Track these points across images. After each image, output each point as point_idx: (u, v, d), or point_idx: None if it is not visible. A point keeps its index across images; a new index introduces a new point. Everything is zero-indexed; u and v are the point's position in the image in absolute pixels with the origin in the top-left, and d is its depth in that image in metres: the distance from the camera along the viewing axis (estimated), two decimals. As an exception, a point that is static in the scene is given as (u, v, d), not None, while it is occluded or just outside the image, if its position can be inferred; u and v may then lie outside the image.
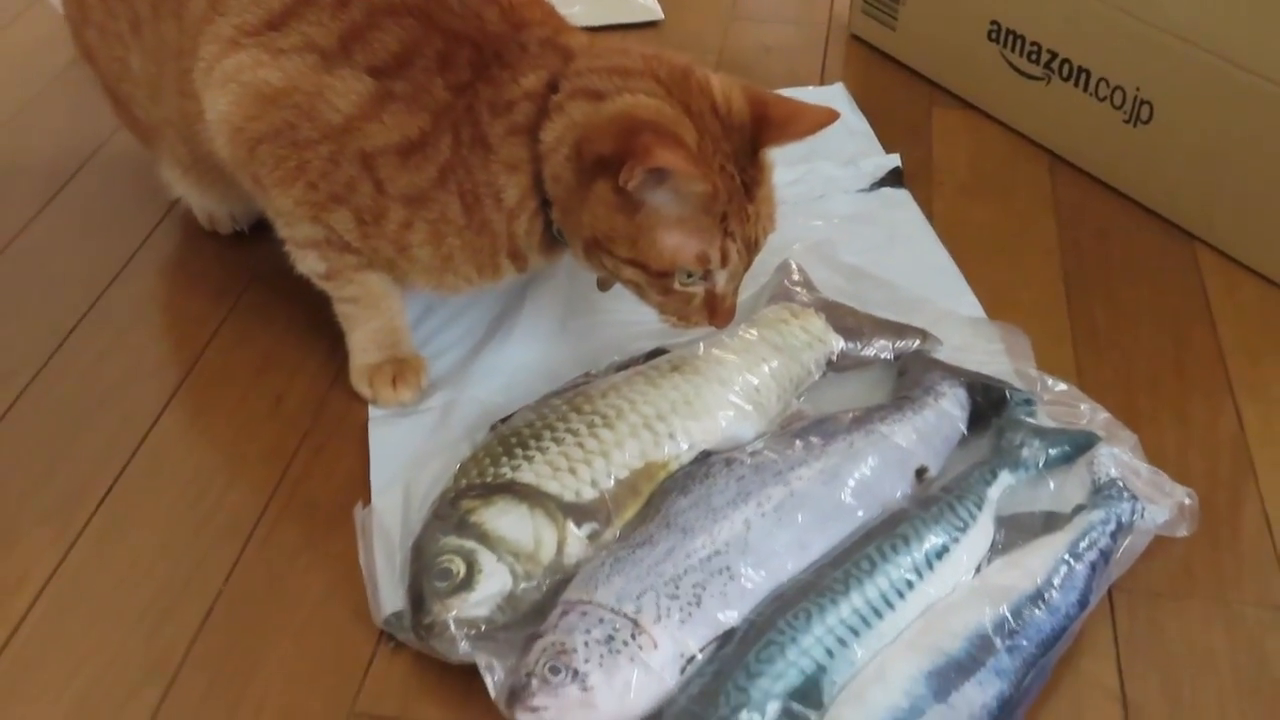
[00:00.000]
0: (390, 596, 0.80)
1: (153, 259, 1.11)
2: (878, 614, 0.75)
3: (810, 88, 1.34)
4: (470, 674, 0.75)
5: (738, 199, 0.82)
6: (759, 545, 0.78)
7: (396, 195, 0.85)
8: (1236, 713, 0.76)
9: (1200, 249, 1.13)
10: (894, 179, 1.19)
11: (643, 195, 0.80)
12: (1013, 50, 1.25)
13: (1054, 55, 1.21)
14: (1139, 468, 0.87)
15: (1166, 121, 1.13)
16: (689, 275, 0.84)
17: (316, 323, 1.00)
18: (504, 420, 0.88)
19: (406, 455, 0.90)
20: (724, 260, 0.83)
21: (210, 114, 0.88)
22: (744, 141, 0.83)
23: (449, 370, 0.98)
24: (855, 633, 0.74)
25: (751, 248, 0.85)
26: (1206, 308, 1.07)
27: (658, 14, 1.48)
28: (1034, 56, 1.23)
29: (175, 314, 1.05)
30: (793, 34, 1.46)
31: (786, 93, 1.27)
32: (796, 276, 1.01)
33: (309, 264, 0.93)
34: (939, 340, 0.97)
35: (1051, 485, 0.87)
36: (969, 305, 1.05)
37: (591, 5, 1.48)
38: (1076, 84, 1.20)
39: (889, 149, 1.23)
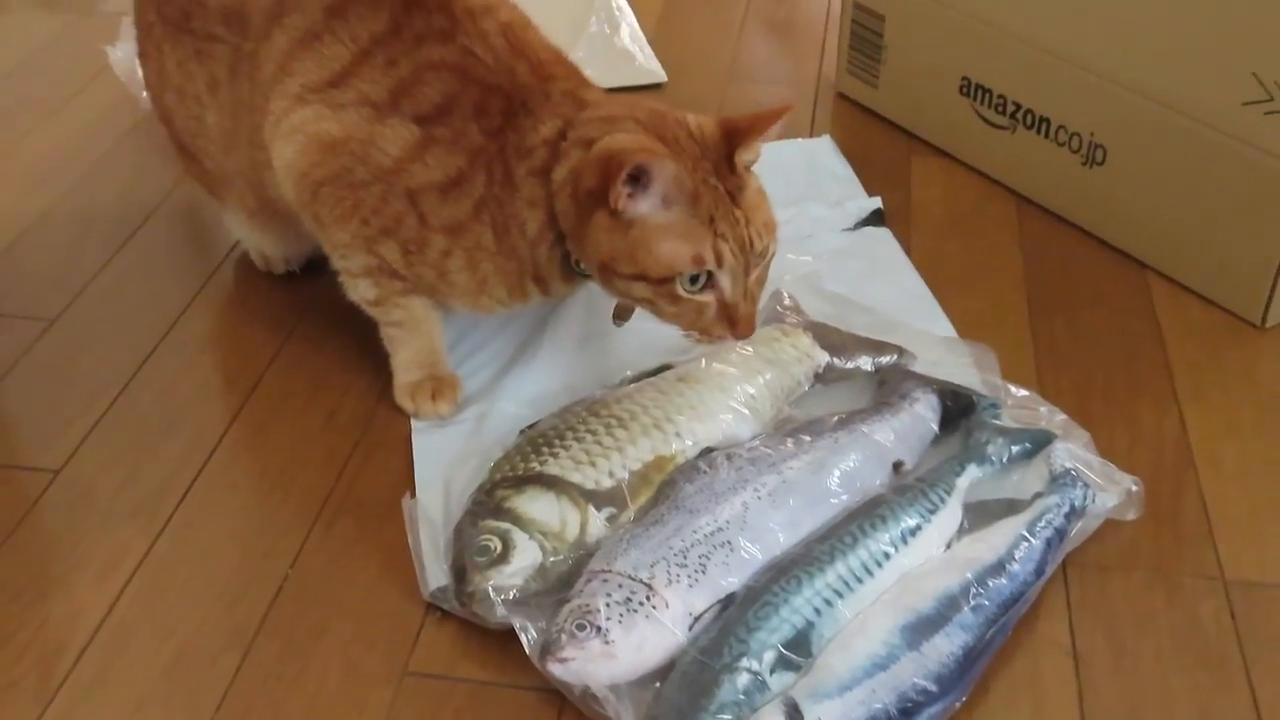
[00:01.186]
0: (435, 573, 0.91)
1: (215, 296, 1.23)
2: (859, 580, 0.86)
3: (800, 139, 1.45)
4: (506, 638, 0.86)
5: (724, 205, 0.91)
6: (755, 523, 0.89)
7: (438, 226, 0.98)
8: (1173, 666, 0.87)
9: (1151, 276, 1.24)
10: (876, 219, 1.30)
11: (632, 213, 0.90)
12: (981, 103, 1.38)
13: (1018, 106, 1.33)
14: (1091, 460, 0.97)
15: (1119, 163, 1.25)
16: (692, 281, 0.91)
17: (362, 350, 1.12)
18: (531, 426, 1.00)
19: (446, 459, 1.01)
20: (719, 260, 0.91)
21: (278, 161, 1.00)
22: (720, 156, 0.92)
23: (481, 388, 1.10)
24: (839, 595, 0.85)
25: (746, 249, 0.91)
26: (1156, 327, 1.18)
27: (661, 77, 1.59)
28: (1000, 108, 1.36)
29: (237, 343, 1.17)
30: (785, 93, 1.57)
31: (778, 144, 1.44)
32: (788, 302, 1.13)
33: (360, 291, 1.06)
34: (914, 355, 1.09)
35: (1015, 478, 0.98)
36: (943, 328, 1.16)
37: (599, 69, 1.59)
38: (1038, 131, 1.32)
39: (871, 193, 1.34)
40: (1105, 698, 0.85)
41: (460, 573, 0.89)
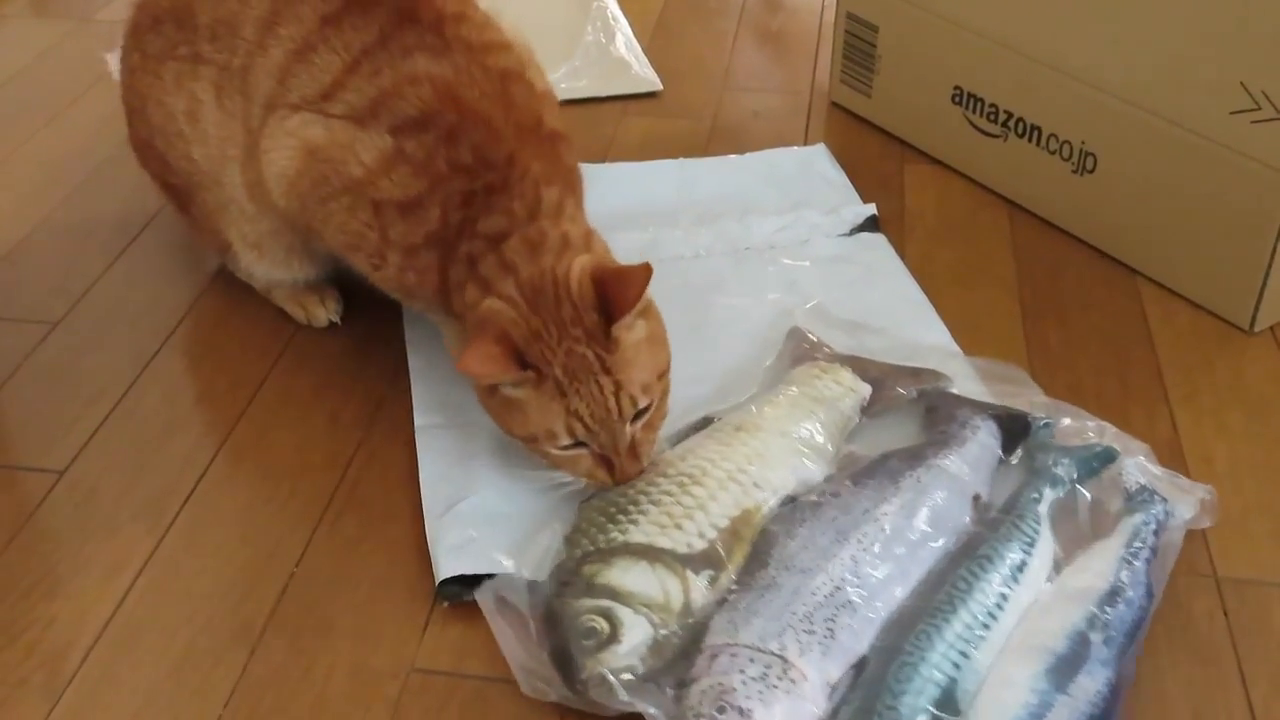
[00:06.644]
0: (446, 564, 0.91)
1: (217, 300, 1.24)
2: (986, 626, 0.84)
3: (795, 147, 1.47)
4: (511, 635, 0.87)
5: (586, 375, 0.89)
6: (869, 578, 0.86)
7: (396, 241, 0.99)
8: (1168, 662, 0.88)
9: (1141, 281, 1.26)
10: (871, 225, 1.31)
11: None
12: (973, 111, 1.40)
13: (1010, 115, 1.35)
14: (1156, 472, 0.97)
15: (1108, 171, 1.27)
16: (559, 445, 0.91)
17: (365, 352, 1.14)
18: (589, 498, 0.94)
19: (449, 460, 1.02)
20: (571, 433, 0.90)
21: (269, 170, 1.01)
22: (597, 321, 0.90)
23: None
24: (972, 645, 0.82)
25: (611, 417, 0.90)
26: (1146, 331, 1.20)
27: (657, 85, 1.61)
28: (992, 116, 1.38)
29: (240, 345, 1.18)
30: (779, 102, 1.60)
31: (774, 152, 1.46)
32: (813, 338, 1.11)
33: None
34: (950, 378, 1.06)
35: (1088, 495, 0.96)
36: (939, 332, 1.17)
37: (596, 79, 1.63)
38: (1030, 140, 1.34)
39: (866, 200, 1.35)
40: (1101, 692, 0.86)
41: (566, 661, 0.83)
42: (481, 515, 0.96)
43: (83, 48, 1.69)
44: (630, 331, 0.92)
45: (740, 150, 1.46)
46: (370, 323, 1.18)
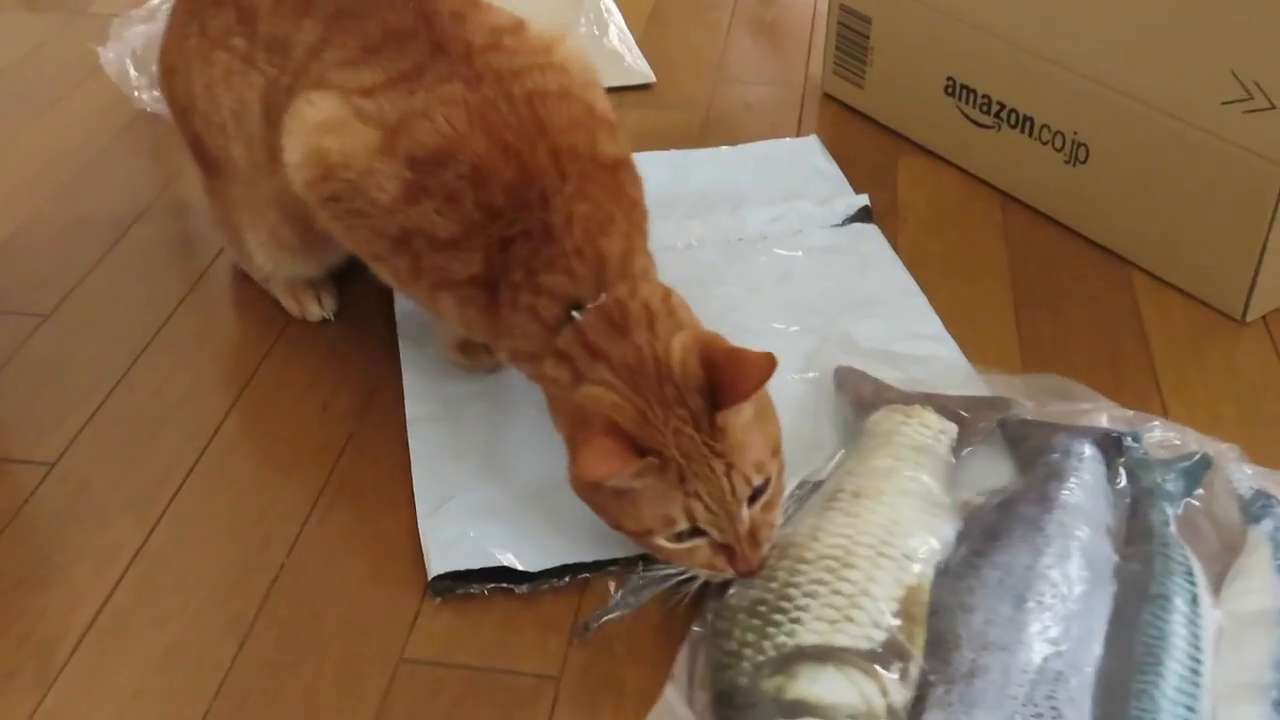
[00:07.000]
0: (437, 561, 0.91)
1: (209, 292, 1.24)
2: (1193, 671, 0.79)
3: (788, 139, 1.47)
4: (502, 622, 0.87)
5: (698, 458, 0.82)
6: (1064, 641, 0.80)
7: (429, 268, 0.96)
8: None
9: (1134, 272, 1.26)
10: (863, 216, 1.31)
11: None
12: (966, 102, 1.39)
13: (1003, 106, 1.35)
14: (1252, 472, 0.94)
15: (1101, 161, 1.27)
16: (674, 535, 0.84)
17: (356, 344, 1.14)
18: (726, 598, 0.85)
19: (442, 453, 1.02)
20: (691, 518, 0.83)
21: (289, 157, 0.98)
22: (701, 405, 0.83)
23: (492, 383, 1.10)
24: (1189, 694, 0.78)
25: (728, 498, 0.82)
26: (1139, 322, 1.20)
27: (650, 77, 1.61)
28: (985, 107, 1.38)
29: (231, 338, 1.18)
30: (772, 94, 1.60)
31: (767, 144, 1.45)
32: (873, 377, 1.04)
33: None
34: (1022, 403, 1.02)
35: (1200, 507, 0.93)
36: (932, 323, 1.17)
37: (591, 71, 1.63)
38: (1023, 130, 1.34)
39: (858, 190, 1.35)
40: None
41: None
42: (474, 510, 0.96)
43: (75, 41, 1.69)
44: (738, 416, 0.84)
45: (733, 142, 1.46)
46: (362, 313, 1.19)
